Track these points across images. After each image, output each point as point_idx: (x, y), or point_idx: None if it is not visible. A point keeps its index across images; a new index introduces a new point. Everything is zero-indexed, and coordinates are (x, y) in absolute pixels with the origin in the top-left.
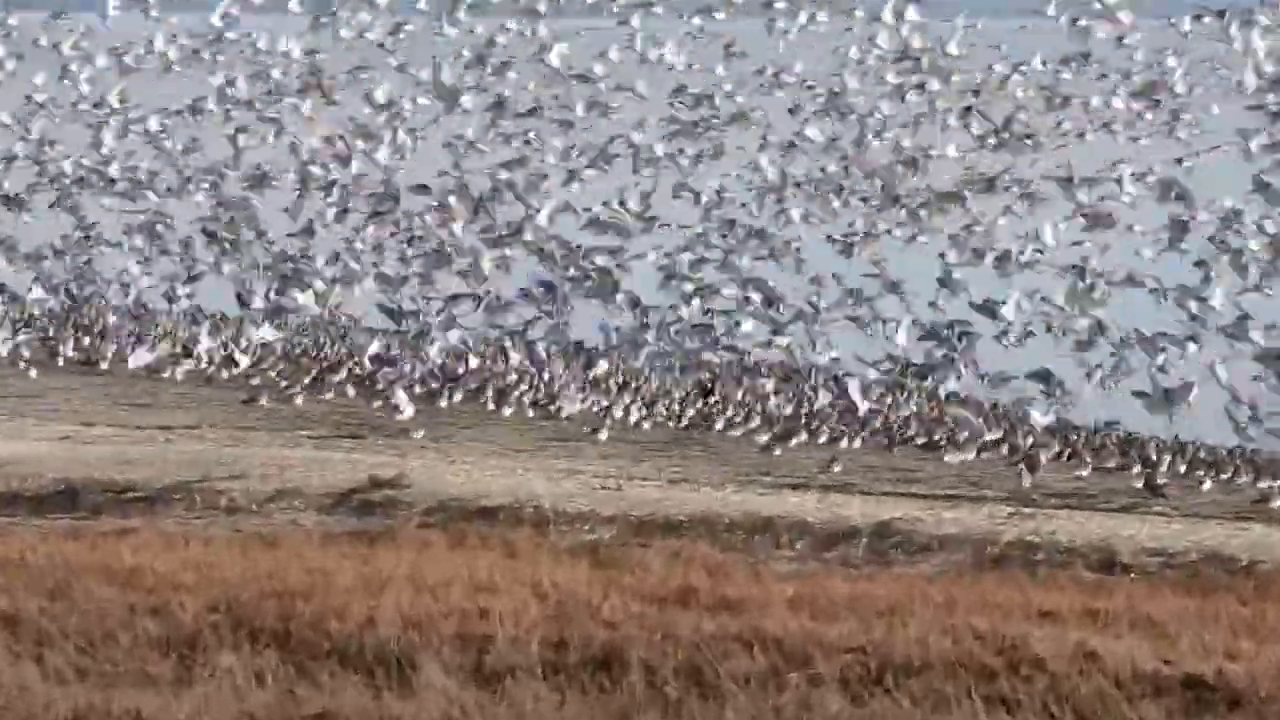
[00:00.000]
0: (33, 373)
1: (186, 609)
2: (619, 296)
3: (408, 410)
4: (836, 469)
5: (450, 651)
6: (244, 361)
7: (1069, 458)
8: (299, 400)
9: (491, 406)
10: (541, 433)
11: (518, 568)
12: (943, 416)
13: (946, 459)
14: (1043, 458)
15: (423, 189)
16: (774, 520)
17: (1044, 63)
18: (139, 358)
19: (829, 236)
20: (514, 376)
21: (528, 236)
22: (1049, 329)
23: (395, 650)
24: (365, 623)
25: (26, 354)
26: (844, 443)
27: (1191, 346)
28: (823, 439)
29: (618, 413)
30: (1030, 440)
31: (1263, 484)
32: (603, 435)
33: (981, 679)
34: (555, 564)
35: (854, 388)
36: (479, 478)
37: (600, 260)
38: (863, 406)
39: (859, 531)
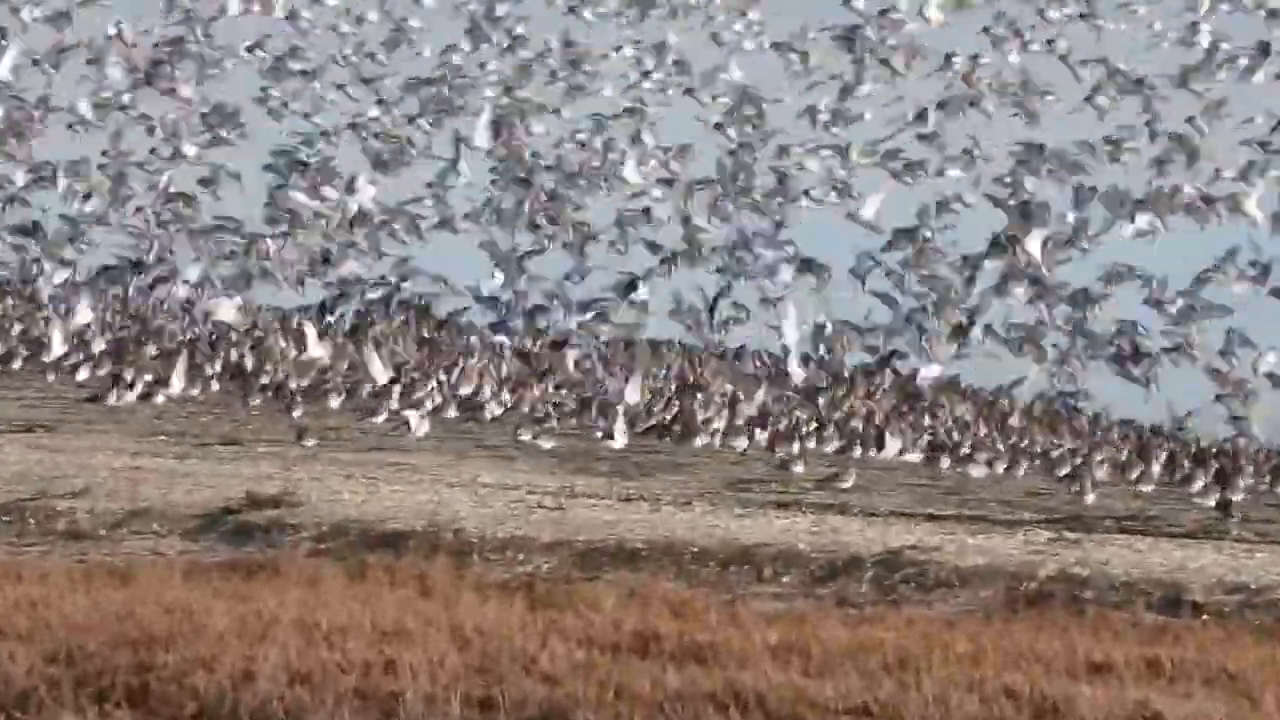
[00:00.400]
0: None
1: (17, 660)
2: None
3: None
4: (846, 484)
5: (349, 713)
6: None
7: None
8: (158, 398)
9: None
10: (463, 438)
11: (433, 608)
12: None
13: (971, 471)
14: (1098, 474)
15: None
16: (755, 548)
17: None
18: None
19: None
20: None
21: None
22: None
23: (280, 711)
24: (242, 677)
25: None
26: (845, 449)
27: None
28: (823, 445)
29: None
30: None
31: None
32: (544, 442)
33: None
34: (481, 603)
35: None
36: (385, 494)
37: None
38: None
39: (862, 562)
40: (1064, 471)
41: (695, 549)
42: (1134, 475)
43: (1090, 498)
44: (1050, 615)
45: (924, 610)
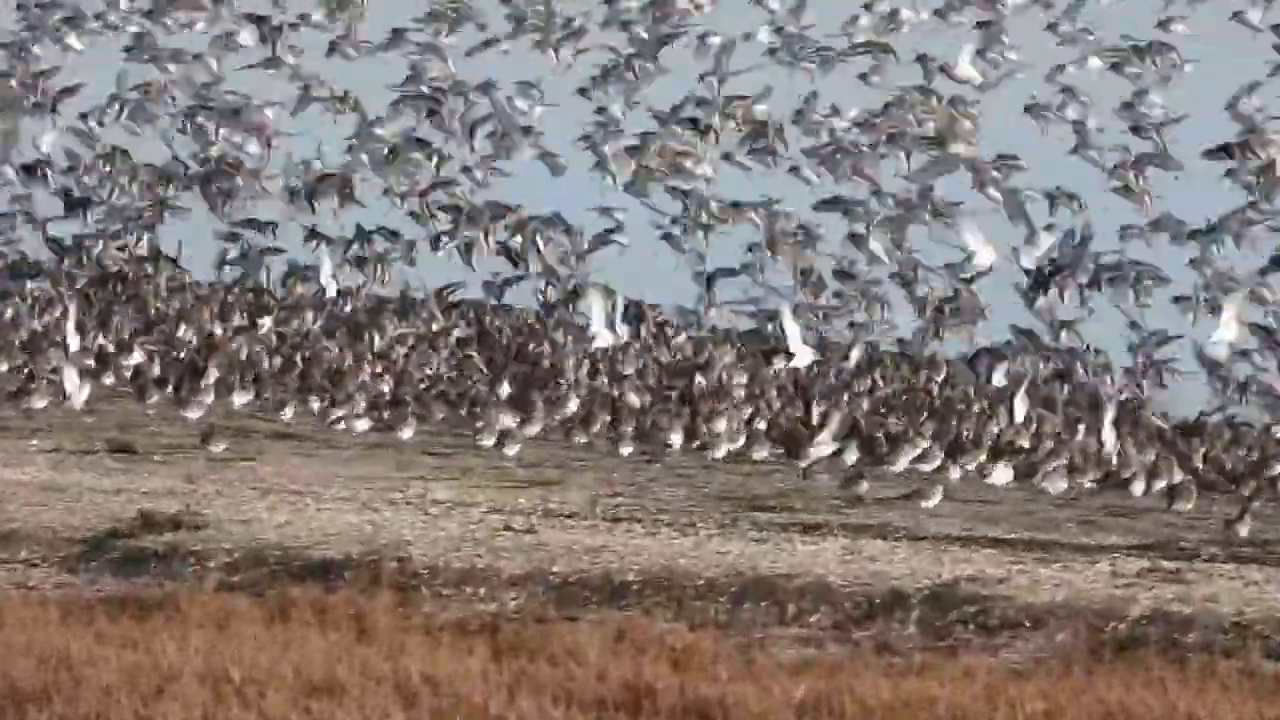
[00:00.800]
0: None
1: None
2: None
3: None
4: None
5: None
6: None
7: (1235, 479)
8: (33, 399)
9: (329, 404)
10: (410, 444)
11: (373, 655)
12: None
13: (1045, 486)
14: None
15: None
16: (775, 580)
17: None
18: None
19: None
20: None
21: None
22: None
23: None
24: None
25: None
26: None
27: None
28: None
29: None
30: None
31: None
32: (510, 448)
33: None
34: (432, 649)
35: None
36: (312, 514)
37: None
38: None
39: (908, 598)
40: (1161, 484)
41: (700, 581)
42: (1248, 490)
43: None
44: (1144, 664)
45: (986, 658)
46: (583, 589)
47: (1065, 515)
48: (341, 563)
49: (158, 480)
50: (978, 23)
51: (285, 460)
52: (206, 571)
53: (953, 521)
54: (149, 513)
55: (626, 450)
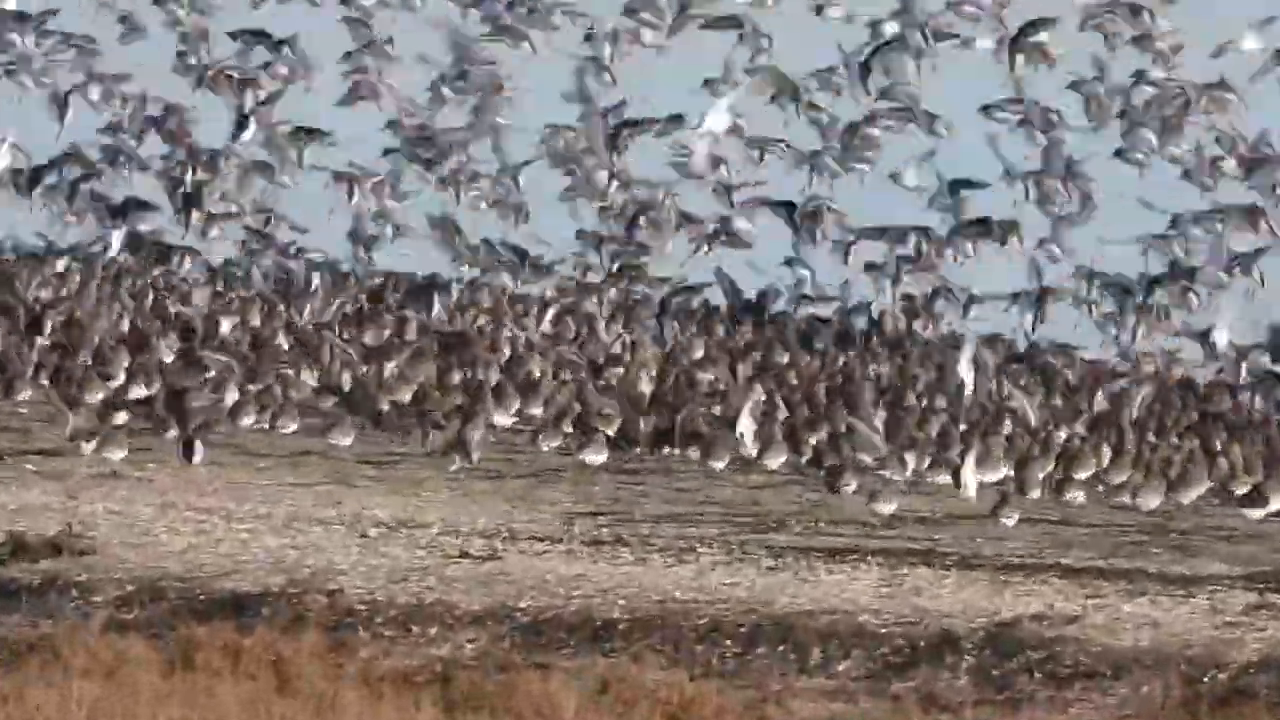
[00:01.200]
0: None
1: None
2: None
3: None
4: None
5: None
6: None
7: None
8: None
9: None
10: (345, 451)
11: (297, 711)
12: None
13: (1137, 502)
14: None
15: None
16: (795, 619)
17: None
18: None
19: None
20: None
21: None
22: None
23: None
24: None
25: None
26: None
27: None
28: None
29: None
30: None
31: None
32: (472, 455)
33: None
34: (370, 704)
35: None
36: (222, 534)
37: None
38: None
39: (958, 640)
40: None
41: (702, 619)
42: None
43: None
44: None
45: (1055, 714)
46: (556, 629)
47: (1154, 538)
48: (258, 597)
49: (32, 495)
50: None
51: (191, 469)
52: (93, 608)
53: (1015, 545)
54: (21, 535)
55: (600, 458)
